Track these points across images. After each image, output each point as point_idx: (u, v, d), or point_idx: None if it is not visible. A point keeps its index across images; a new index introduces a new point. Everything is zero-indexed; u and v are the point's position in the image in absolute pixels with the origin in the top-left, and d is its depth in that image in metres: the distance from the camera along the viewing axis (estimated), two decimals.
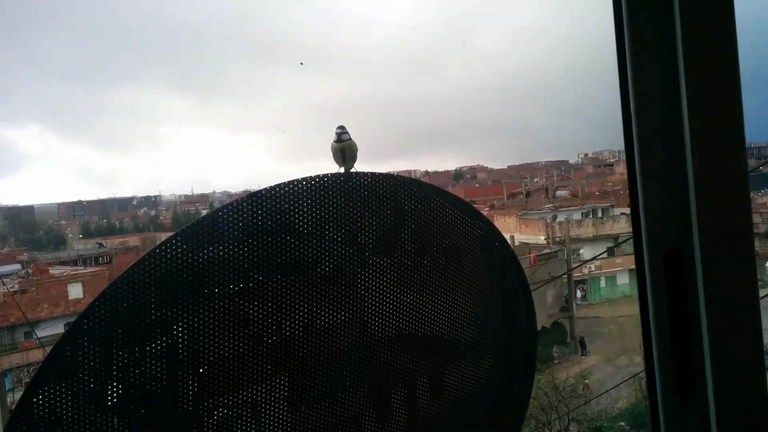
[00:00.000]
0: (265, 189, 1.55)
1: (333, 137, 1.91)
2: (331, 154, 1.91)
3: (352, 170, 1.85)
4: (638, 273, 1.33)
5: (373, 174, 1.79)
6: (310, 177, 1.66)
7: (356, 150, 1.90)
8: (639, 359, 20.55)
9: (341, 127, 1.92)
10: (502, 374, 1.99)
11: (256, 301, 1.49)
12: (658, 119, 1.29)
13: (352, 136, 1.94)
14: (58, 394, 1.28)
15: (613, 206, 42.96)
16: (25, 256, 40.44)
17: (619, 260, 35.05)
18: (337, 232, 1.66)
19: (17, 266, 34.61)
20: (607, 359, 22.14)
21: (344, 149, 1.87)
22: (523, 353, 2.05)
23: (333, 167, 1.91)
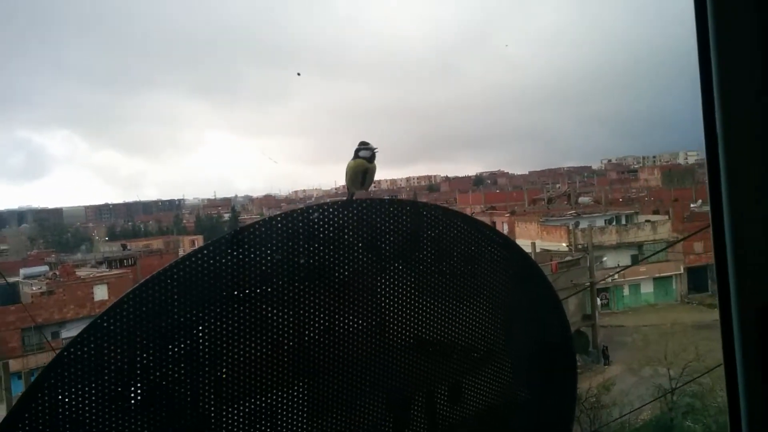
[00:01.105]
0: (275, 216, 1.52)
1: (358, 154, 1.76)
2: (347, 171, 1.78)
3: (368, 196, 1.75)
4: (724, 332, 1.10)
5: (391, 201, 1.69)
6: (324, 206, 1.58)
7: (374, 174, 1.78)
8: (663, 370, 20.16)
9: (368, 144, 1.75)
10: (532, 383, 1.94)
11: (277, 306, 1.48)
12: (752, 142, 1.03)
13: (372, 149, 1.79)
14: (65, 394, 1.26)
15: (637, 213, 42.29)
16: (53, 258, 41.28)
17: (643, 268, 34.44)
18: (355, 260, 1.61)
19: (45, 268, 35.33)
20: (631, 369, 21.71)
21: (367, 171, 1.74)
22: (553, 361, 1.98)
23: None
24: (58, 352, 1.30)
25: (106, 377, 1.29)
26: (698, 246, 35.19)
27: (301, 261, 1.52)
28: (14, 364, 23.85)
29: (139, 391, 1.33)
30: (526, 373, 1.93)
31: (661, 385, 19.22)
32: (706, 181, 1.10)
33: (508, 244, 1.90)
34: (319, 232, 1.53)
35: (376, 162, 1.80)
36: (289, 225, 1.50)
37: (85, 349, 1.27)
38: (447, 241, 1.72)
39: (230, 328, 1.41)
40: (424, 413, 1.69)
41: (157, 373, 1.34)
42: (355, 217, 1.58)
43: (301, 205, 1.69)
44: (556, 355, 1.99)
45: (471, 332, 1.76)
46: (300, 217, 1.53)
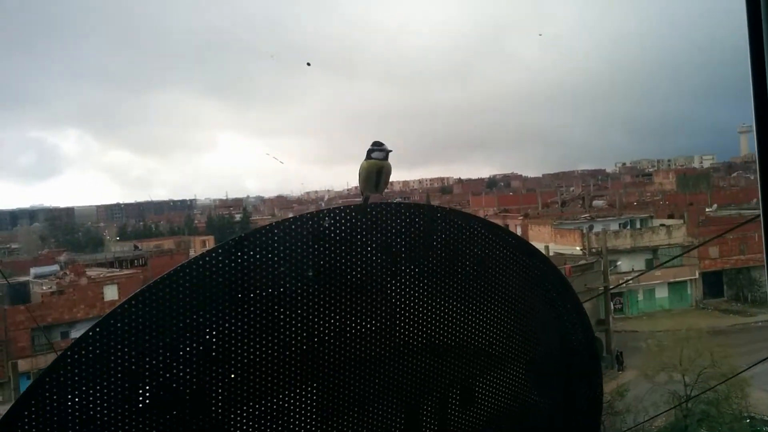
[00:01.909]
0: (285, 220, 1.49)
1: (371, 155, 1.69)
2: (359, 171, 1.72)
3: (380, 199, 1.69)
4: None
5: (407, 205, 1.66)
6: (336, 210, 1.55)
7: (390, 174, 1.71)
8: (678, 376, 19.84)
9: (382, 144, 1.68)
10: (554, 386, 1.90)
11: (287, 309, 1.46)
12: None
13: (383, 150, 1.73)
14: (72, 391, 1.24)
15: (652, 217, 41.92)
16: (63, 257, 41.57)
17: (658, 273, 34.02)
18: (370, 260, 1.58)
19: (56, 267, 35.50)
20: (645, 375, 21.38)
21: (382, 171, 1.66)
22: (570, 364, 1.95)
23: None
24: (60, 351, 1.28)
25: (112, 377, 1.27)
26: (714, 251, 34.77)
27: (311, 271, 1.48)
28: (23, 364, 23.95)
29: (145, 392, 1.30)
30: (548, 377, 1.91)
31: (675, 391, 18.93)
32: (758, 179, 1.07)
33: (524, 246, 1.90)
34: (331, 237, 1.51)
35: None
36: (300, 229, 1.48)
37: (91, 348, 1.26)
38: (465, 244, 1.72)
39: (240, 330, 1.40)
40: (438, 416, 1.68)
41: (165, 374, 1.32)
42: (370, 222, 1.56)
43: (313, 207, 1.64)
44: (578, 359, 1.96)
45: (491, 335, 1.75)
46: (311, 222, 1.50)
